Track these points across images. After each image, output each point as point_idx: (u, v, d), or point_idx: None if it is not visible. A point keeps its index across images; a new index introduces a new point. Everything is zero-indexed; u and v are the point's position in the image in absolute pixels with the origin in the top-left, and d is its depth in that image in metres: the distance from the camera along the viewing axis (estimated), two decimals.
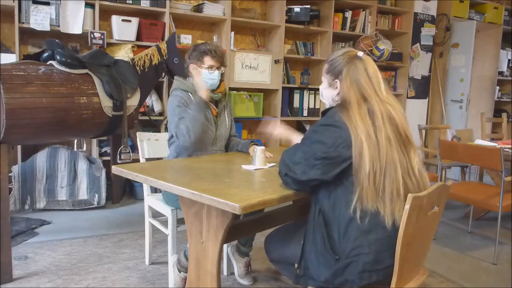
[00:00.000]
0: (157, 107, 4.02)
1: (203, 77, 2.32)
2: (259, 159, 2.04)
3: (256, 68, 4.43)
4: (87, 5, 3.66)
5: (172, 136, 2.33)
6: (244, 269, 2.42)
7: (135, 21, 3.85)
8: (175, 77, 2.45)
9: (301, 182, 1.50)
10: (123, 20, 3.80)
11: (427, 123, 5.78)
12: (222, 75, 2.38)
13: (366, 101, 1.49)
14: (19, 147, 3.53)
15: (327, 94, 1.63)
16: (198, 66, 2.33)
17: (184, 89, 2.33)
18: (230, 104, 2.53)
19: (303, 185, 1.52)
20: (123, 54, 3.71)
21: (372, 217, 1.43)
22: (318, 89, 4.97)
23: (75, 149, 3.72)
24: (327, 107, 1.65)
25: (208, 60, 2.31)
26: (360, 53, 1.57)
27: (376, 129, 1.44)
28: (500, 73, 6.22)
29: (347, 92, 1.51)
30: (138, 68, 3.20)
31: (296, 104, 4.83)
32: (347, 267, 1.44)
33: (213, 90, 2.37)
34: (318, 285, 1.52)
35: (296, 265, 1.57)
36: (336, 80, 1.56)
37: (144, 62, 3.24)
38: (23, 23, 3.46)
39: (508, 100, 6.40)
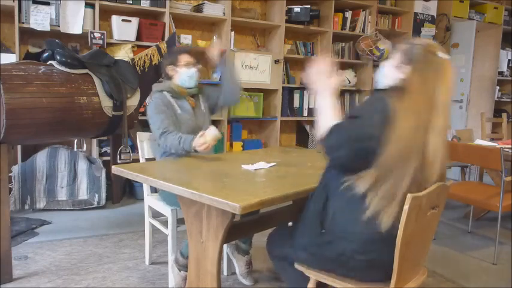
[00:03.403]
0: None
1: (181, 74, 2.41)
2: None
3: (256, 68, 4.43)
4: (87, 5, 3.66)
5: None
6: (245, 267, 2.41)
7: (135, 21, 3.85)
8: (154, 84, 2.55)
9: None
10: (123, 20, 3.80)
11: None
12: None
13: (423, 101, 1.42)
14: (19, 147, 3.53)
15: (388, 73, 1.53)
16: (175, 66, 2.42)
17: (159, 89, 2.41)
18: (204, 93, 2.59)
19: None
20: (123, 54, 3.71)
21: (371, 215, 1.42)
22: None
23: (75, 149, 3.72)
24: (379, 85, 1.57)
25: (184, 57, 2.41)
26: (441, 54, 1.47)
27: (416, 130, 1.40)
28: (500, 73, 6.21)
29: (410, 82, 1.43)
30: (138, 68, 3.20)
31: (296, 104, 4.83)
32: (329, 244, 1.46)
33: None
34: (298, 255, 1.55)
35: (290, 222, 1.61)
36: (407, 66, 1.46)
37: (144, 62, 3.24)
38: (23, 23, 3.46)
39: (508, 100, 6.40)
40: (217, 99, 2.62)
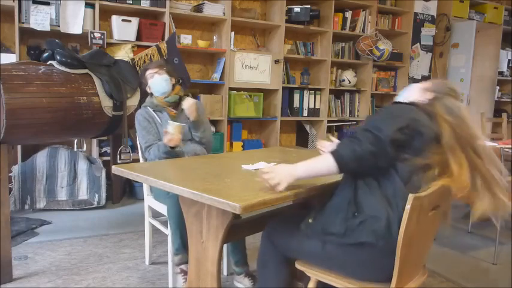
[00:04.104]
0: None
1: (152, 86, 2.53)
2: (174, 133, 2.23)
3: (256, 68, 4.43)
4: (87, 5, 3.66)
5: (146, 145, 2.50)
6: (249, 282, 2.32)
7: (135, 21, 3.85)
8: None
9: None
10: (123, 20, 3.80)
11: None
12: (176, 81, 2.57)
13: None
14: (19, 147, 3.53)
15: (414, 92, 1.68)
16: (147, 82, 2.57)
17: (144, 105, 2.58)
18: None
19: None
20: (123, 54, 3.71)
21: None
22: (317, 89, 5.02)
23: (75, 149, 3.72)
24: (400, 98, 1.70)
25: (147, 72, 2.56)
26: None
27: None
28: (500, 73, 6.22)
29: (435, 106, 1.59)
30: (138, 68, 3.20)
31: (296, 104, 4.83)
32: (362, 224, 1.47)
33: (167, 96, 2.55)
34: (324, 239, 1.55)
35: (310, 218, 1.61)
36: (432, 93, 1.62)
37: (144, 62, 3.24)
38: (23, 23, 3.46)
39: (508, 100, 6.40)
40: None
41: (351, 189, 1.55)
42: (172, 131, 2.25)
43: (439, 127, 1.51)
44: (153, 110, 2.53)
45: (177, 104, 2.56)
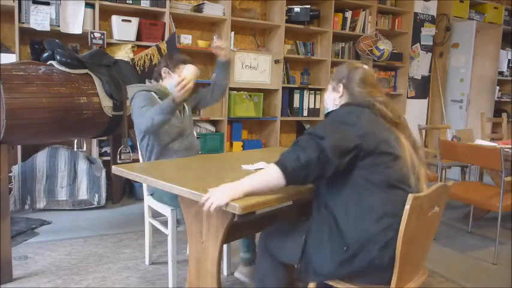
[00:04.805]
0: None
1: (173, 82, 2.33)
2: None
3: (256, 68, 4.43)
4: (87, 5, 3.66)
5: (142, 138, 2.40)
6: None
7: (135, 21, 3.85)
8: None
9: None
10: (123, 20, 3.80)
11: (427, 123, 5.78)
12: None
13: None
14: (19, 147, 3.53)
15: (329, 98, 1.72)
16: (172, 72, 2.42)
17: (146, 89, 2.41)
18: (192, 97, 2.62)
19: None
20: (123, 54, 3.71)
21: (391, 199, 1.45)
22: (318, 89, 5.01)
23: (75, 149, 3.72)
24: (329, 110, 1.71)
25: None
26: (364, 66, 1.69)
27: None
28: (500, 73, 6.21)
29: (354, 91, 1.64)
30: (138, 68, 3.20)
31: (296, 104, 4.83)
32: (356, 256, 1.43)
33: None
34: (319, 279, 1.52)
35: (297, 263, 1.57)
36: (339, 84, 1.66)
37: (144, 62, 3.24)
38: (23, 23, 3.46)
39: (508, 100, 6.40)
40: (204, 98, 2.67)
41: (327, 216, 1.50)
42: (188, 74, 2.03)
43: (377, 105, 1.53)
44: (159, 97, 2.40)
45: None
